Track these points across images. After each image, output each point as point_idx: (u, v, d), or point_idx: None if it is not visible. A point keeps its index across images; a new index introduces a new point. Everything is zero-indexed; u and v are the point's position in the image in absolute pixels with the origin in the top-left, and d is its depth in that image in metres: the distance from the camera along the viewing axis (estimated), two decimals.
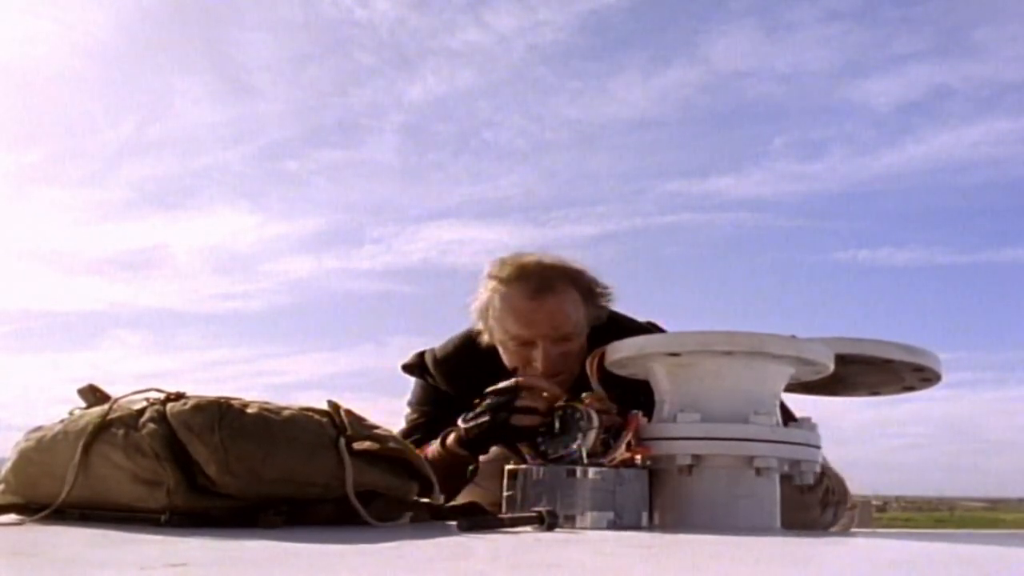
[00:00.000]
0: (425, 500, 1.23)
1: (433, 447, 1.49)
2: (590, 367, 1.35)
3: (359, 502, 1.08)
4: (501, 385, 1.36)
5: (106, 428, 1.05)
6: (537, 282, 1.59)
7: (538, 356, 1.58)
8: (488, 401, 1.35)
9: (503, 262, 1.64)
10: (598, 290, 1.66)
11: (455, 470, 1.40)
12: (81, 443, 1.04)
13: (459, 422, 1.41)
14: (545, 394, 1.33)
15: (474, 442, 1.38)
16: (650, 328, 1.70)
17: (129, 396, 1.10)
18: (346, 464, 1.08)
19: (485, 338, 1.66)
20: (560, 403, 1.28)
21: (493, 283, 1.63)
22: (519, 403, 1.31)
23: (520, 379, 1.37)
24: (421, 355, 1.78)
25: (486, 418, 1.33)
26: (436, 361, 1.75)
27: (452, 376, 1.73)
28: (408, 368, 1.80)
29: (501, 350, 1.65)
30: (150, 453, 1.01)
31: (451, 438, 1.45)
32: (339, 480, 1.08)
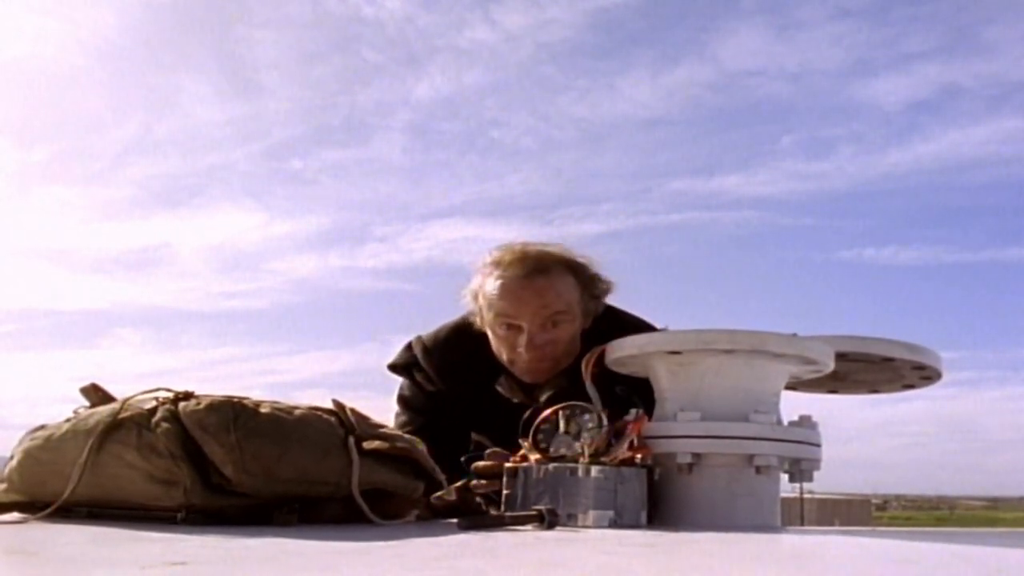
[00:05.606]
0: (432, 497, 1.23)
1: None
2: (585, 367, 1.34)
3: (370, 501, 1.09)
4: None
5: (117, 427, 1.05)
6: (533, 264, 1.57)
7: (523, 342, 1.57)
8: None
9: (502, 247, 1.64)
10: (600, 284, 1.64)
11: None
12: (91, 442, 1.04)
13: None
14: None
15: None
16: (648, 326, 1.67)
17: (139, 396, 1.10)
18: (354, 463, 1.09)
19: (477, 321, 1.66)
20: (565, 404, 1.28)
21: (489, 267, 1.62)
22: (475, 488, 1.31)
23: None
24: (409, 347, 1.75)
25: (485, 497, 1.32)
26: (426, 350, 1.72)
27: (443, 371, 1.71)
28: (396, 368, 1.76)
29: (490, 335, 1.64)
30: (165, 453, 1.02)
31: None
32: (349, 479, 1.09)
